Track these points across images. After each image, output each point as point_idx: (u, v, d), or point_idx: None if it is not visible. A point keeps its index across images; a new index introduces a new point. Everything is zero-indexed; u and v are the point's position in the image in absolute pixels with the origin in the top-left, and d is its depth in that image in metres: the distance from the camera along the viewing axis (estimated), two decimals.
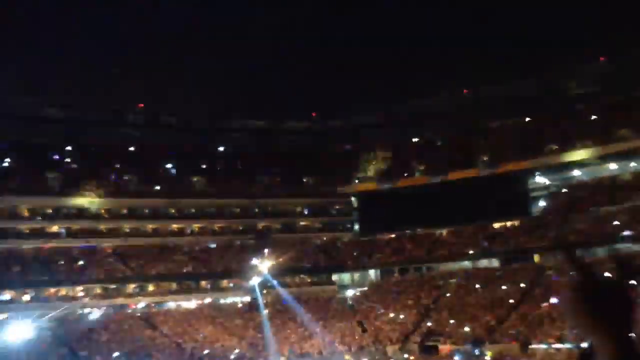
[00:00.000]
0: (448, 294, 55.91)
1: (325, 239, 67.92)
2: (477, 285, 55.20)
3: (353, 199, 69.42)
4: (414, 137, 73.00)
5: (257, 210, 65.84)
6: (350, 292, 62.17)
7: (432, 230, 64.36)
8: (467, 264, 60.48)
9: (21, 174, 54.83)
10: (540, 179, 62.69)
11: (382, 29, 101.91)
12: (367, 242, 66.31)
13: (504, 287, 52.98)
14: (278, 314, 55.64)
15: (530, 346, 43.56)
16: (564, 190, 61.26)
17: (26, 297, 51.38)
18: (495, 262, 59.53)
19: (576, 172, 61.07)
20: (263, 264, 56.97)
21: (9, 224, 53.86)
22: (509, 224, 61.83)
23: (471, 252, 60.03)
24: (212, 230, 63.94)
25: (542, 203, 62.15)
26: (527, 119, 67.37)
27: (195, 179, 65.10)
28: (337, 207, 69.30)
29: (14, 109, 57.66)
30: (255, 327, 53.63)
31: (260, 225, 65.91)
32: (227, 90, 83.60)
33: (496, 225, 62.26)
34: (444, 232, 64.23)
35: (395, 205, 63.50)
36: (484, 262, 59.87)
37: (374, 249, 65.30)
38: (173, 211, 62.06)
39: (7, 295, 50.85)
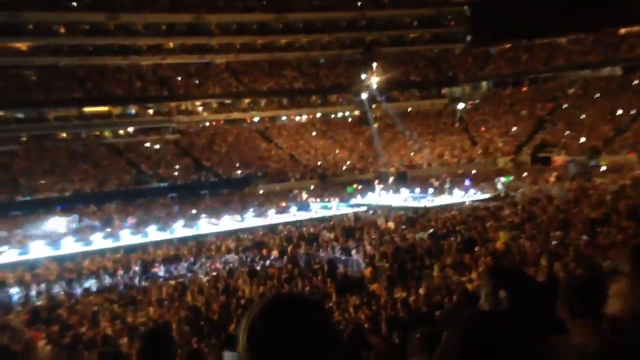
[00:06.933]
0: (565, 105, 53.65)
1: (435, 51, 65.76)
2: (597, 95, 52.47)
3: (466, 7, 65.55)
4: None
5: (364, 22, 64.04)
6: (460, 105, 61.09)
7: (550, 39, 60.54)
8: (586, 73, 57.09)
9: None
10: None
11: None
12: (480, 54, 63.73)
13: (625, 97, 49.99)
14: (387, 127, 56.19)
15: None
16: None
17: (150, 111, 54.61)
18: (618, 71, 55.76)
19: None
20: (371, 79, 56.45)
21: (128, 41, 55.26)
22: (636, 28, 56.65)
23: (592, 60, 56.36)
24: (319, 45, 63.45)
25: None
26: None
27: None
28: (449, 16, 65.95)
29: None
30: (365, 140, 54.79)
31: (368, 38, 64.50)
32: None
33: (622, 30, 57.34)
34: (564, 40, 60.13)
35: (511, 13, 59.69)
36: (605, 71, 56.27)
37: (487, 61, 62.84)
38: (281, 26, 61.53)
39: (132, 110, 54.16)
